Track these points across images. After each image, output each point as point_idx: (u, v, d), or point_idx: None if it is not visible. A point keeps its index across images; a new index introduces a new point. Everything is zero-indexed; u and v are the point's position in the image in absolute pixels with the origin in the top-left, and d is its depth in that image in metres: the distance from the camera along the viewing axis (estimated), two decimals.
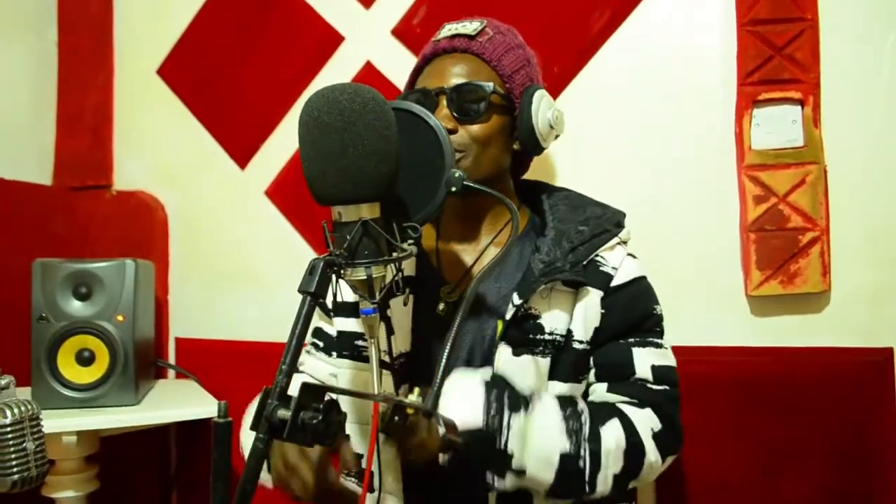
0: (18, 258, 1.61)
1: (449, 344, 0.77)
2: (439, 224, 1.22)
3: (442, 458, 0.94)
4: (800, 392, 1.43)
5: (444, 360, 0.76)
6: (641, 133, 1.57)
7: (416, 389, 0.76)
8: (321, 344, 1.26)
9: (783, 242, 1.44)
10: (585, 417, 1.00)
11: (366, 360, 1.13)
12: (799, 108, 1.45)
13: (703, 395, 1.42)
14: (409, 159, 0.88)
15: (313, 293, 0.78)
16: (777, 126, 1.47)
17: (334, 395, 0.77)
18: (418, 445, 0.94)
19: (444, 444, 0.92)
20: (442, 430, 0.75)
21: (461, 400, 0.95)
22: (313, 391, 0.72)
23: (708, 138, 1.52)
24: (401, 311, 1.11)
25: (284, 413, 0.71)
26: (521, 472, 0.95)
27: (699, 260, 1.52)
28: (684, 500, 1.48)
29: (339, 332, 1.19)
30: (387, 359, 1.09)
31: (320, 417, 0.71)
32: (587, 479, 0.97)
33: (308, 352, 1.29)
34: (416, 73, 1.20)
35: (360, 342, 1.15)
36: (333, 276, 0.83)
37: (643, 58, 1.57)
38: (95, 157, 2.01)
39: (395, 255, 0.85)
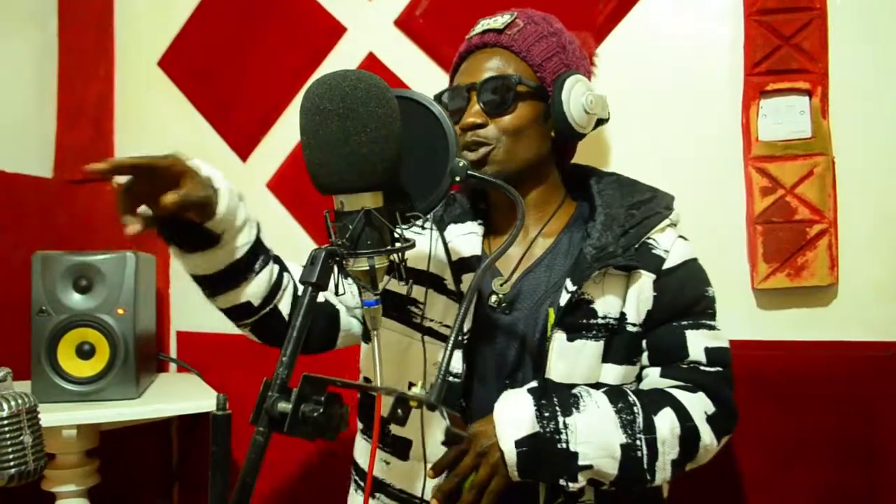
0: (19, 251, 1.60)
1: (455, 332, 0.76)
2: (488, 217, 1.22)
3: (511, 472, 0.97)
4: (806, 386, 1.41)
5: (448, 353, 0.74)
6: (647, 123, 1.55)
7: (420, 382, 0.75)
8: None
9: (790, 235, 1.43)
10: (638, 409, 1.03)
11: (415, 326, 1.13)
12: (807, 98, 1.44)
13: None
14: (413, 148, 0.86)
15: (315, 283, 0.77)
16: (784, 117, 1.45)
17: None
18: (492, 466, 0.97)
19: (450, 437, 0.91)
20: (446, 422, 0.73)
21: (512, 414, 0.99)
22: (314, 383, 0.71)
23: (714, 129, 1.50)
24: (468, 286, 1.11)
25: (285, 406, 0.70)
26: (588, 469, 0.99)
27: (705, 252, 1.49)
28: (691, 492, 1.47)
29: (385, 290, 1.17)
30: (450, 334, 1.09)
31: (321, 410, 0.69)
32: (646, 467, 1.01)
33: None
34: (454, 71, 1.22)
35: (412, 307, 1.15)
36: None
37: (649, 47, 1.55)
38: (96, 150, 2.00)
39: (397, 245, 0.84)
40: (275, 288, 1.11)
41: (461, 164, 0.91)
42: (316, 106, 0.79)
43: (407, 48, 1.72)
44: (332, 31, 1.80)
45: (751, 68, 1.46)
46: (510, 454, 0.97)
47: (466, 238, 1.16)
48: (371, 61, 1.75)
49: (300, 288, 1.12)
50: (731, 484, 1.45)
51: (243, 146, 1.90)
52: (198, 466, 1.86)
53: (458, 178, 0.91)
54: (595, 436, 1.00)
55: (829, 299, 1.44)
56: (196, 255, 1.02)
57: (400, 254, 0.85)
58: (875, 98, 1.42)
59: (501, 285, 1.14)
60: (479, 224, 1.19)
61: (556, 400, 1.01)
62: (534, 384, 1.04)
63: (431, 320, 1.13)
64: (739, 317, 1.48)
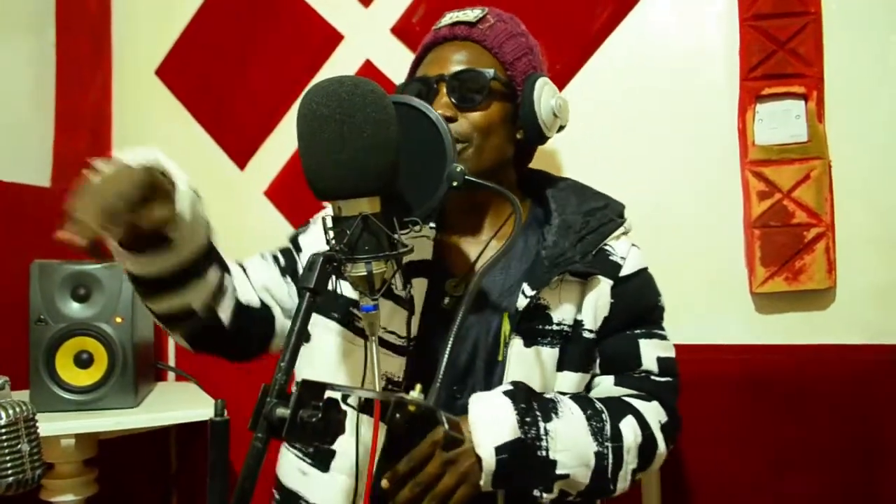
0: (17, 260, 1.60)
1: (451, 340, 0.76)
2: (442, 217, 1.19)
3: (484, 481, 0.92)
4: (805, 390, 1.41)
5: (446, 357, 0.74)
6: (644, 129, 1.55)
7: (419, 386, 0.74)
8: (283, 263, 1.19)
9: (788, 238, 1.43)
10: (605, 416, 1.01)
11: (358, 331, 1.09)
12: (802, 102, 1.44)
13: (708, 392, 1.41)
14: (409, 153, 0.86)
15: (312, 289, 0.76)
16: (780, 121, 1.46)
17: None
18: (461, 475, 0.92)
19: (449, 441, 0.90)
20: (445, 426, 0.73)
21: (491, 417, 0.95)
22: (313, 388, 0.71)
23: (711, 134, 1.51)
24: (420, 293, 1.09)
25: (283, 411, 0.69)
26: (565, 478, 0.96)
27: (703, 256, 1.51)
28: (689, 498, 1.47)
29: (340, 295, 1.12)
30: (401, 343, 1.07)
31: (320, 415, 0.69)
32: (610, 476, 0.99)
33: (262, 256, 1.21)
34: (417, 62, 1.18)
35: (357, 310, 1.07)
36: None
37: (645, 54, 1.56)
38: (94, 159, 1.99)
39: (395, 250, 0.84)
40: (216, 293, 1.02)
41: (458, 169, 0.91)
42: (313, 111, 0.79)
43: (404, 55, 1.72)
44: (329, 38, 1.81)
45: (746, 73, 1.47)
46: (489, 461, 0.91)
47: (416, 241, 1.10)
48: (368, 68, 1.76)
49: (240, 292, 1.09)
50: (729, 487, 1.44)
51: (241, 154, 1.90)
52: (196, 475, 1.86)
53: (455, 184, 0.91)
54: (573, 444, 0.96)
55: (826, 303, 1.45)
56: (143, 256, 0.91)
57: (398, 259, 0.85)
58: (870, 101, 1.43)
59: (455, 287, 1.11)
60: (432, 227, 1.15)
61: (535, 404, 0.97)
62: (508, 387, 0.99)
63: None
64: (737, 321, 1.48)
